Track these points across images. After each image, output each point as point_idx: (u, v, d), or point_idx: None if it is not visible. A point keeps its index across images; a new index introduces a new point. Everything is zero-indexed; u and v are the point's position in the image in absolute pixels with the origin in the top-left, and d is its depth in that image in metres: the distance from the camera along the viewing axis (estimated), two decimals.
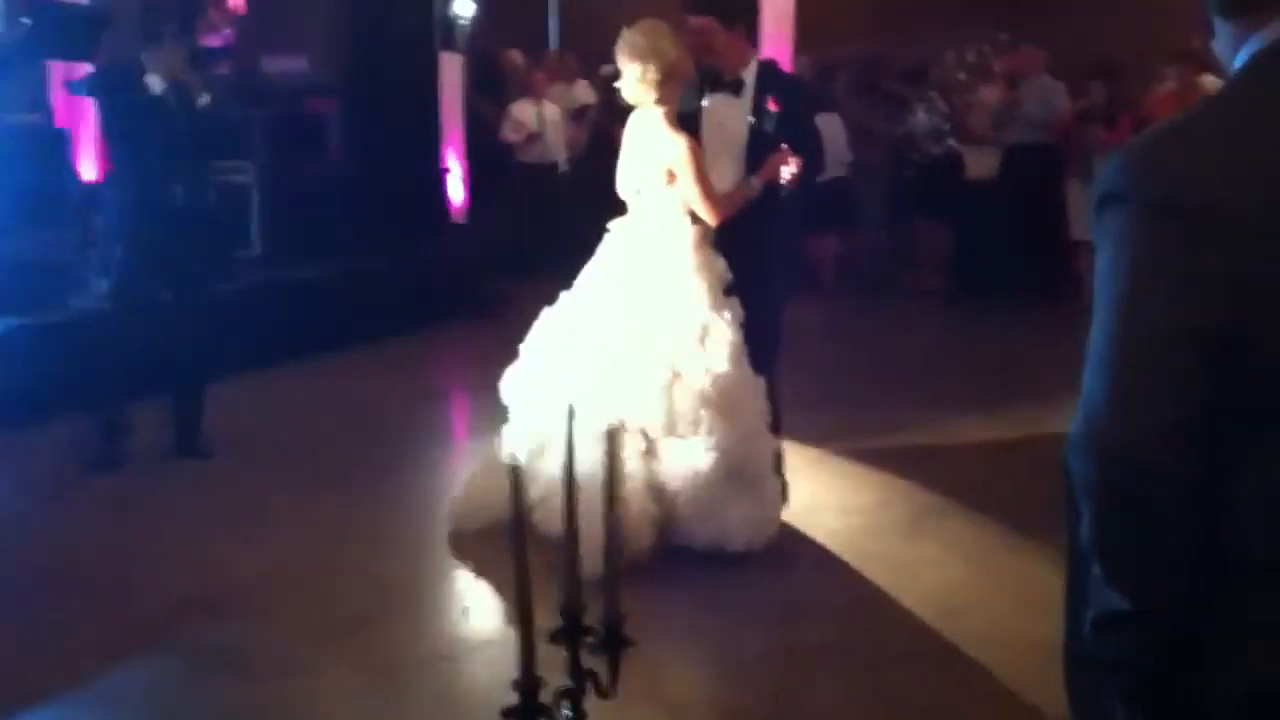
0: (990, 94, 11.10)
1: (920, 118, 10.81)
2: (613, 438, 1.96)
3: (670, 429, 4.88)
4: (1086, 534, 1.69)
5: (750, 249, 5.10)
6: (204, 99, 6.08)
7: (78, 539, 5.25)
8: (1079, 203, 10.19)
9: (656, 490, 4.83)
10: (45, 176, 8.01)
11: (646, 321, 4.98)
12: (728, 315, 5.01)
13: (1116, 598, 1.66)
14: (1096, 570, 1.69)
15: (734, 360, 4.96)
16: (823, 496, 5.71)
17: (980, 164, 11.02)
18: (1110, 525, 1.65)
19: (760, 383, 5.05)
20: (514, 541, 1.76)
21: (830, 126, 11.15)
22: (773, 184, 5.04)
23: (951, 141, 10.86)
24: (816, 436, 6.42)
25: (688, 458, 4.87)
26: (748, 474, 4.97)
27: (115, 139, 6.22)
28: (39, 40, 7.58)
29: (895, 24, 13.22)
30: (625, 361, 4.94)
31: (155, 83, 5.93)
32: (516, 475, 1.80)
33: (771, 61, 5.47)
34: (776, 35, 13.41)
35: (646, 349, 4.94)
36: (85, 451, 6.13)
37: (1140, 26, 11.96)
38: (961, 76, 11.99)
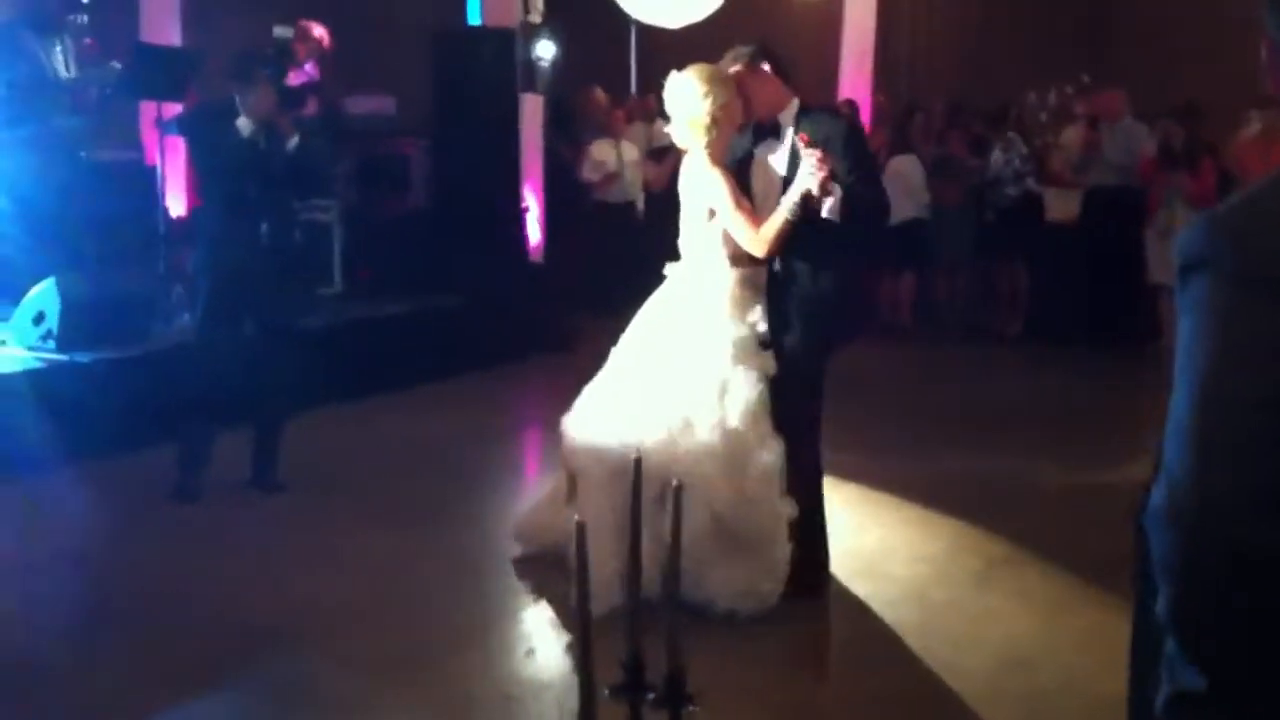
0: (1072, 136, 11.03)
1: (998, 157, 10.75)
2: (677, 494, 1.99)
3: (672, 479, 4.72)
4: (1163, 607, 1.64)
5: (787, 291, 4.94)
6: (293, 141, 6.22)
7: (153, 569, 5.36)
8: (1158, 246, 10.07)
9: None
10: (135, 211, 8.25)
11: (672, 370, 4.91)
12: (748, 371, 4.85)
13: (1193, 676, 1.60)
14: (1172, 646, 1.64)
15: (747, 418, 4.81)
16: (892, 542, 5.67)
17: (1061, 206, 10.94)
18: (1190, 599, 1.59)
19: (777, 444, 4.85)
20: (579, 602, 1.79)
21: (908, 166, 11.15)
22: (811, 204, 4.74)
23: (1030, 183, 10.78)
24: (887, 481, 6.38)
25: (686, 511, 4.72)
26: (743, 538, 4.78)
27: (206, 177, 6.37)
28: (131, 81, 7.82)
29: (978, 65, 13.22)
30: (648, 408, 4.87)
31: (246, 125, 6.08)
32: (581, 534, 1.83)
33: (822, 104, 5.25)
34: (856, 76, 13.48)
35: (667, 398, 4.86)
36: (168, 483, 6.25)
37: (1224, 69, 11.84)
38: (1043, 118, 11.94)
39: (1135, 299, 10.39)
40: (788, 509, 4.86)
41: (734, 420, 4.81)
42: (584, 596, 1.83)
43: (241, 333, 6.35)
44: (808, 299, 4.89)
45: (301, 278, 6.72)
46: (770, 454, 4.82)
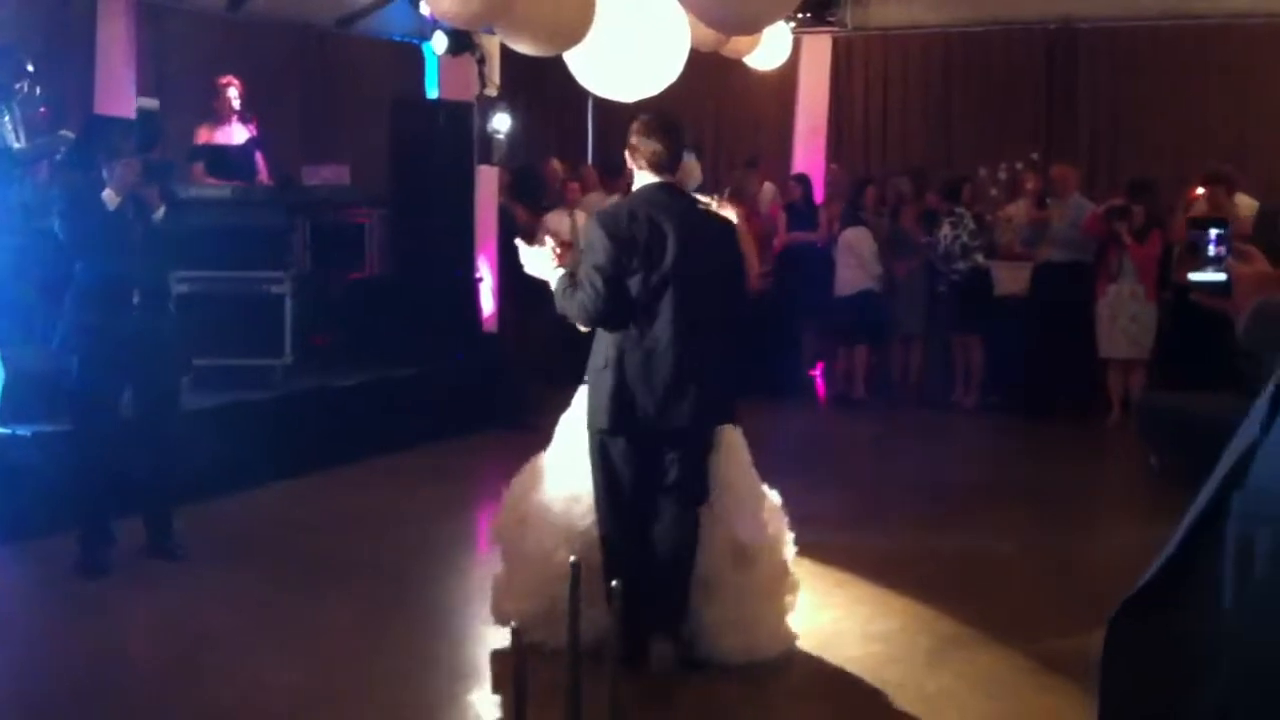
0: (1021, 211, 11.15)
1: (946, 233, 10.85)
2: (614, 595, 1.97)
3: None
4: None
5: None
6: (160, 212, 6.23)
7: (95, 651, 5.24)
8: (1108, 322, 10.18)
9: None
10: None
11: None
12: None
13: None
14: None
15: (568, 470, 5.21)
16: (844, 622, 5.62)
17: (1011, 281, 11.05)
18: None
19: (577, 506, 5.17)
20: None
21: (859, 239, 11.24)
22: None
23: (979, 258, 10.89)
24: (840, 557, 6.35)
25: None
26: None
27: (72, 250, 6.28)
28: (83, 151, 7.78)
29: (933, 140, 13.38)
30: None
31: (111, 197, 6.10)
32: (518, 638, 1.81)
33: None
34: (811, 147, 13.62)
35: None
36: (116, 559, 6.21)
37: (1172, 147, 12.06)
38: (994, 193, 12.08)
39: (1088, 373, 10.48)
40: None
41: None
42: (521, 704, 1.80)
43: (118, 410, 6.33)
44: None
45: (179, 349, 6.70)
46: (557, 507, 5.18)
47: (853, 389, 11.39)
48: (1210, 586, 1.63)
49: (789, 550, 5.34)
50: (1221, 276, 2.08)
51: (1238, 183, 10.10)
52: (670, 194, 5.01)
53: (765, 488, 5.35)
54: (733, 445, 5.19)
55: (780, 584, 5.23)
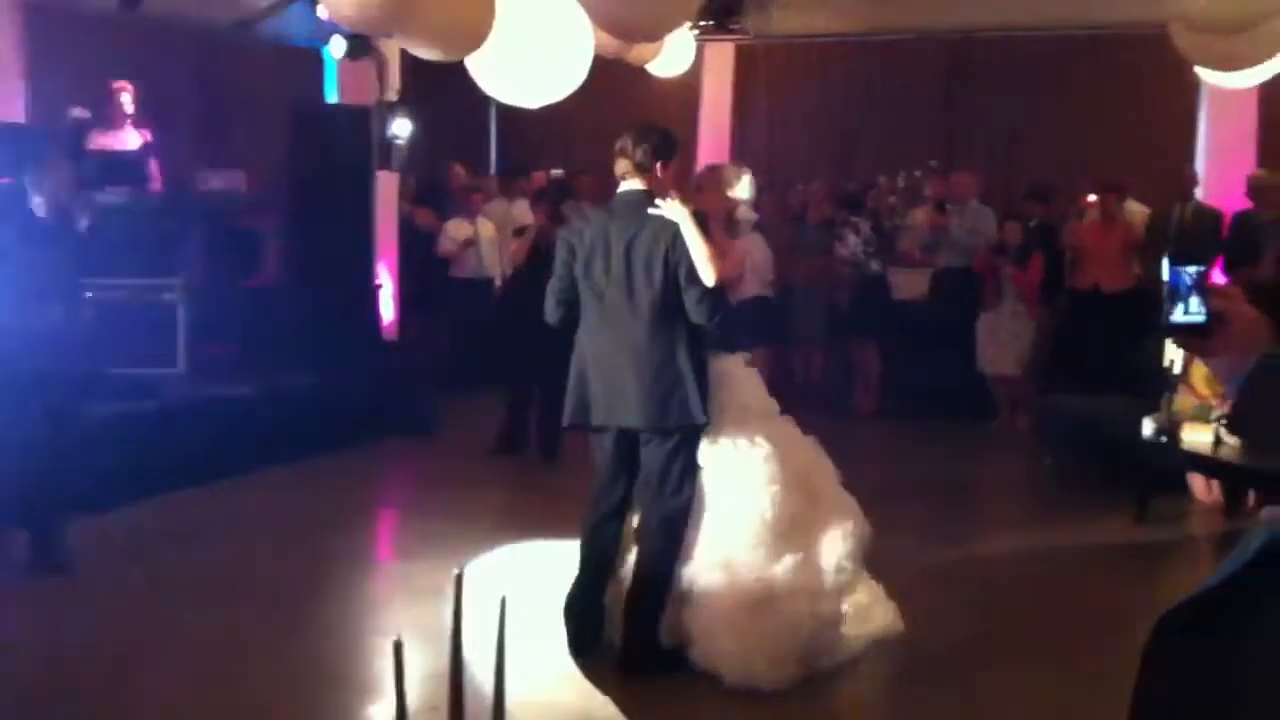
0: (919, 217, 11.29)
1: (847, 240, 10.95)
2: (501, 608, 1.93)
3: None
4: None
5: None
6: (84, 222, 6.24)
7: None
8: (987, 337, 10.36)
9: None
10: None
11: None
12: None
13: None
14: None
15: None
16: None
17: (908, 286, 11.18)
18: None
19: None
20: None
21: (755, 245, 11.28)
22: None
23: (875, 265, 11.01)
24: None
25: None
26: None
27: None
28: None
29: (836, 147, 13.51)
30: None
31: (39, 205, 6.06)
32: (398, 653, 1.76)
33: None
34: (714, 155, 13.66)
35: None
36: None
37: (1073, 154, 12.29)
38: (892, 200, 12.21)
39: (983, 377, 10.62)
40: None
41: None
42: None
43: (29, 419, 6.17)
44: None
45: (91, 363, 6.62)
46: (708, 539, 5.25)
47: None
48: (1260, 614, 1.65)
49: (796, 573, 5.15)
50: (1200, 318, 2.08)
51: (1129, 190, 10.31)
52: (632, 200, 5.09)
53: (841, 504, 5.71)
54: (727, 457, 5.29)
55: (768, 604, 4.98)
